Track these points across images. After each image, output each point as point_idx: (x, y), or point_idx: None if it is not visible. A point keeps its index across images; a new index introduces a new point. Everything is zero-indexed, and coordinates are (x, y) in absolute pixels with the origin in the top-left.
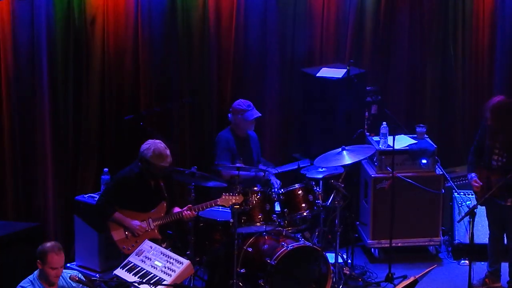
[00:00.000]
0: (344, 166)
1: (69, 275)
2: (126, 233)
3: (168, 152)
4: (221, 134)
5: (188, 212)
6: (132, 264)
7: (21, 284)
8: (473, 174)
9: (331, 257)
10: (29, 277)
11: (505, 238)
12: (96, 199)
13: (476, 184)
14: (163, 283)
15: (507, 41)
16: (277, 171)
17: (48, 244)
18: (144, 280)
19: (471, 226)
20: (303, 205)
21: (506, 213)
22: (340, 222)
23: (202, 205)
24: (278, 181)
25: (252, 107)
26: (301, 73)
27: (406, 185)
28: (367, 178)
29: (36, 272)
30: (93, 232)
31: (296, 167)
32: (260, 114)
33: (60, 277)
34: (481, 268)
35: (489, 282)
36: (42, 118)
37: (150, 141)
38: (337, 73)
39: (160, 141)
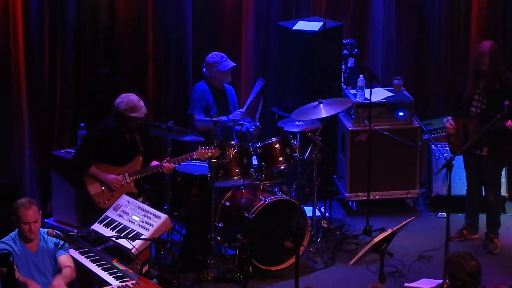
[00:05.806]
0: (321, 119)
1: (46, 231)
2: (102, 187)
3: (141, 103)
4: (197, 85)
5: (167, 164)
6: (110, 219)
7: (3, 240)
8: (448, 117)
9: (308, 211)
10: (10, 234)
11: (483, 189)
12: (72, 154)
13: (450, 126)
14: (141, 237)
15: None
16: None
17: (21, 200)
18: (121, 235)
19: (448, 178)
20: (280, 158)
21: (483, 163)
22: (318, 176)
23: (178, 158)
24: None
25: (226, 58)
26: (277, 27)
27: (383, 137)
28: (344, 131)
29: (16, 230)
30: (70, 187)
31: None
32: (235, 64)
33: (41, 237)
34: (458, 220)
35: (466, 233)
36: (18, 73)
37: (123, 94)
38: (314, 26)
39: (133, 94)
